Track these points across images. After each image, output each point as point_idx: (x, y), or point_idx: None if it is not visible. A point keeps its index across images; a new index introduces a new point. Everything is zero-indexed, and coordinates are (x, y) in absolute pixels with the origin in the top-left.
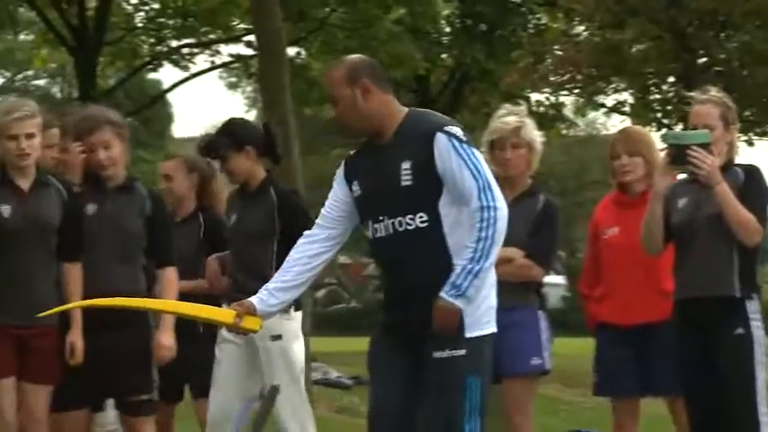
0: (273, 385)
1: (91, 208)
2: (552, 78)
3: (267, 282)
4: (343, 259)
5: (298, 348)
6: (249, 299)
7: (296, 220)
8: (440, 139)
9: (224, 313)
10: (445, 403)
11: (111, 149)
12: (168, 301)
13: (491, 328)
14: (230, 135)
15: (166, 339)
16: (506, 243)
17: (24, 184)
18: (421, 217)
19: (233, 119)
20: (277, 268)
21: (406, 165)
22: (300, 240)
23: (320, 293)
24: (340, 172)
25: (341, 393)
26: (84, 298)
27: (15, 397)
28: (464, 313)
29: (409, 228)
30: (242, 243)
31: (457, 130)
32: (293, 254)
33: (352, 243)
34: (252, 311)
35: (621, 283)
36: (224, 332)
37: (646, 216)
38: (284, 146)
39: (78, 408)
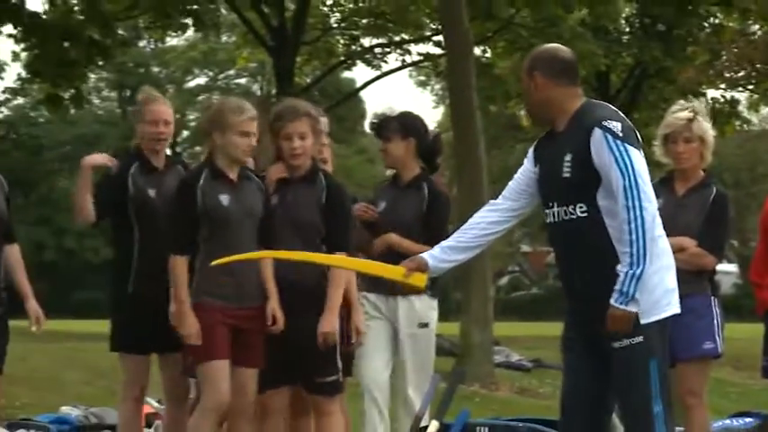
0: (461, 368)
1: (273, 198)
2: (728, 75)
3: None
4: (524, 248)
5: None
6: (421, 254)
7: (437, 222)
8: (596, 133)
9: (394, 269)
10: (634, 390)
11: (305, 140)
12: (341, 257)
13: (670, 310)
14: (401, 121)
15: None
16: (680, 232)
17: (233, 175)
18: (581, 207)
19: (410, 112)
20: None
21: (567, 157)
22: (483, 207)
23: (503, 281)
24: (531, 150)
25: (521, 375)
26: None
27: (230, 379)
28: None
29: (572, 217)
30: (391, 230)
31: (615, 125)
32: (474, 218)
33: (534, 232)
34: (422, 268)
35: None
36: (369, 311)
37: None
38: (471, 140)
39: (277, 387)
